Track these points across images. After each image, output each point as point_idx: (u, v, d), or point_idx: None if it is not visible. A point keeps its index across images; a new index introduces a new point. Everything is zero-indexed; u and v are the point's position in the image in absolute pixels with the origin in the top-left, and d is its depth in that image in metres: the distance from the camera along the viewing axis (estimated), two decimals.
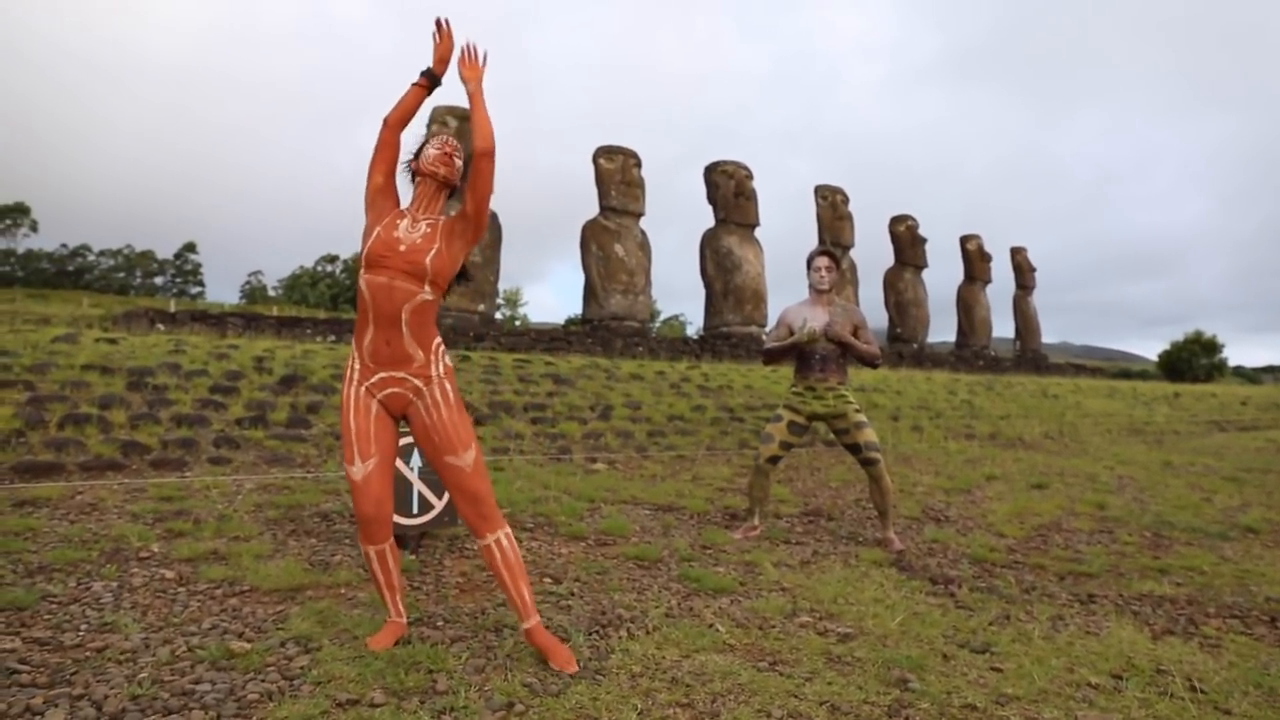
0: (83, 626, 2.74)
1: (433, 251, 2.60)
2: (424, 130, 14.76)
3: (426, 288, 2.60)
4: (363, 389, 2.66)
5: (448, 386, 2.68)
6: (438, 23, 2.68)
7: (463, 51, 2.69)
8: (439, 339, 2.74)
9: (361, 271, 2.62)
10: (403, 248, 2.60)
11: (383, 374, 2.64)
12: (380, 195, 2.70)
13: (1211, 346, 39.56)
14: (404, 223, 2.67)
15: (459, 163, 2.76)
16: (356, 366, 2.69)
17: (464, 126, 14.81)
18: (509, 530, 2.73)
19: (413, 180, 2.78)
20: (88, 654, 2.51)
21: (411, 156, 2.78)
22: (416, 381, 2.64)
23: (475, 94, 2.67)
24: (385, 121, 2.70)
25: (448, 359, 2.76)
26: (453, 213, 2.71)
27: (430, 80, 2.70)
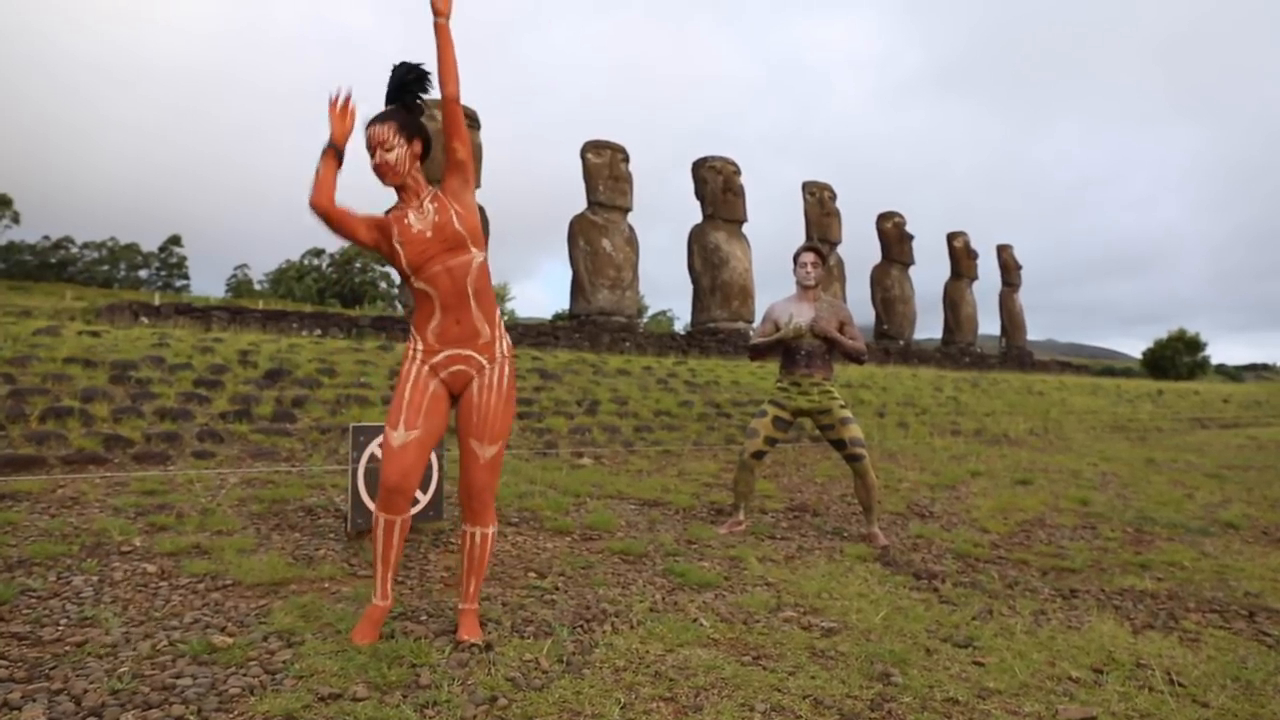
0: (62, 621, 2.72)
1: (454, 217, 2.65)
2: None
3: (474, 250, 2.67)
4: (426, 366, 2.69)
5: (506, 371, 2.75)
6: (336, 98, 2.66)
7: None
8: (499, 312, 2.79)
9: (413, 280, 2.66)
10: (429, 234, 2.64)
11: (449, 351, 2.68)
12: (373, 238, 2.68)
13: (1195, 345, 39.93)
14: (412, 216, 2.68)
15: (391, 155, 2.65)
16: (419, 348, 2.71)
17: None
18: (494, 530, 2.80)
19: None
20: (67, 649, 2.49)
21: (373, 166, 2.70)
22: (481, 359, 2.70)
23: (444, 29, 2.62)
24: (316, 206, 2.58)
25: (509, 338, 2.81)
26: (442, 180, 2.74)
27: (339, 155, 2.66)
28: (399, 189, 2.73)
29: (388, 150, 2.65)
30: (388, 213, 2.75)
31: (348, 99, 2.68)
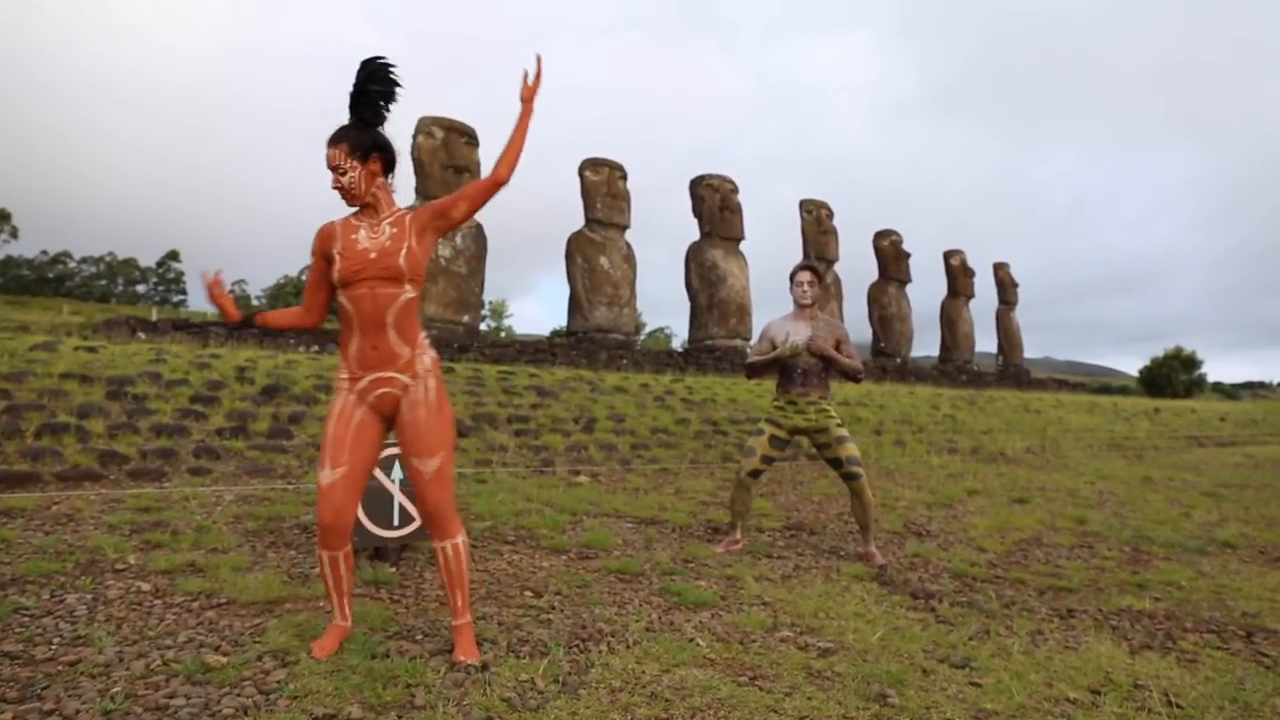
0: (55, 640, 2.70)
1: (404, 252, 2.65)
2: (410, 140, 14.77)
3: (407, 286, 2.67)
4: (352, 396, 2.71)
5: (431, 384, 2.73)
6: (212, 293, 2.77)
7: (524, 73, 2.74)
8: (424, 333, 2.80)
9: (340, 291, 2.67)
10: (373, 255, 2.64)
11: (371, 376, 2.69)
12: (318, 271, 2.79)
13: (1191, 362, 39.96)
14: (362, 232, 2.69)
15: (345, 179, 2.66)
16: (344, 375, 2.73)
17: (450, 137, 14.81)
18: (462, 539, 2.77)
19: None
20: (60, 668, 2.47)
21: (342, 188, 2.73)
22: (404, 378, 2.70)
23: (526, 117, 2.72)
24: (314, 328, 2.91)
25: (433, 351, 2.81)
26: (422, 204, 2.76)
27: (257, 313, 2.84)
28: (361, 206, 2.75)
29: (341, 174, 2.66)
30: (345, 218, 2.76)
31: (211, 285, 2.76)
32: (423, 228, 2.71)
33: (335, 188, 2.68)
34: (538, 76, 2.76)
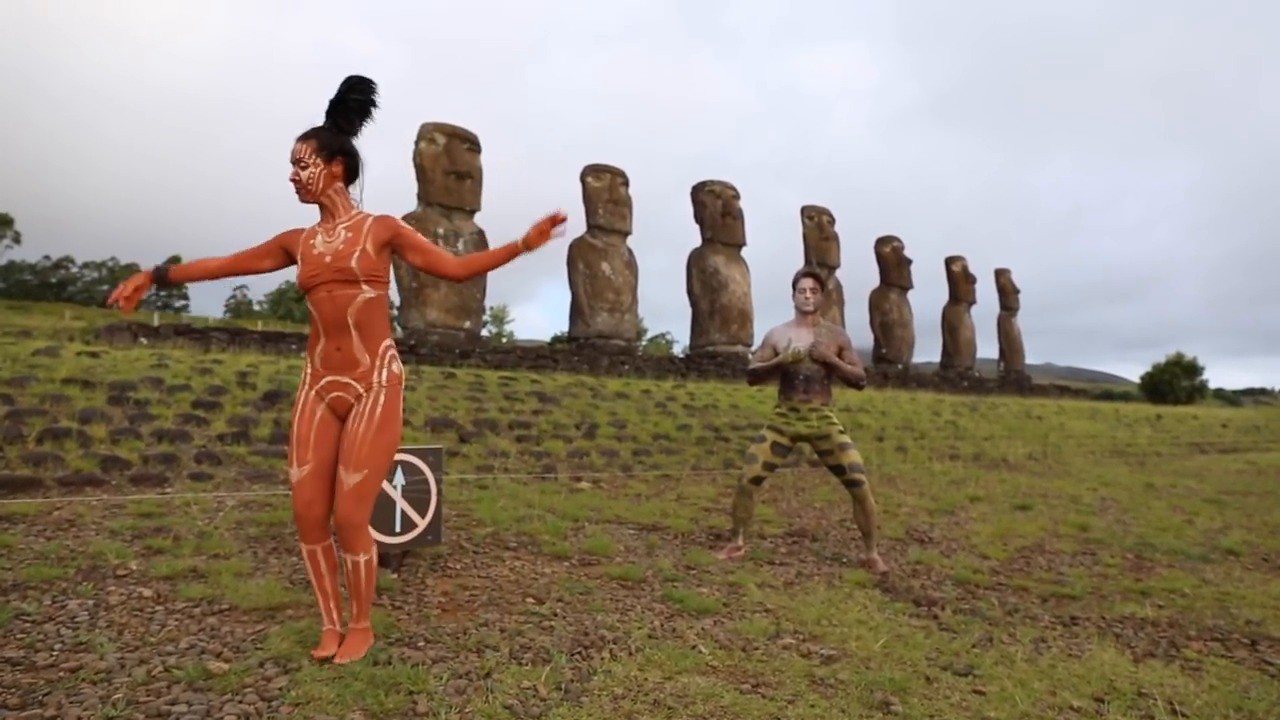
0: (57, 646, 2.70)
1: (356, 254, 2.69)
2: (413, 146, 14.80)
3: (365, 287, 2.70)
4: (313, 392, 2.77)
5: (381, 400, 2.75)
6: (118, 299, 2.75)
7: (543, 219, 2.73)
8: (389, 341, 2.82)
9: (305, 298, 2.74)
10: (328, 259, 2.69)
11: (331, 377, 2.74)
12: (277, 262, 2.83)
13: (1192, 369, 39.95)
14: (320, 238, 2.75)
15: (304, 173, 2.71)
16: (309, 371, 2.80)
17: (452, 143, 14.83)
18: (366, 558, 2.76)
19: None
20: (61, 674, 2.47)
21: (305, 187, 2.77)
22: (359, 387, 2.75)
23: (513, 253, 2.74)
24: (220, 275, 2.85)
25: (397, 365, 2.82)
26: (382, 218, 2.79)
27: (166, 270, 2.81)
28: (319, 207, 2.79)
29: (302, 168, 2.70)
30: (310, 226, 2.82)
31: (123, 297, 2.73)
32: (382, 244, 2.74)
33: (292, 180, 2.73)
34: (549, 230, 2.71)
